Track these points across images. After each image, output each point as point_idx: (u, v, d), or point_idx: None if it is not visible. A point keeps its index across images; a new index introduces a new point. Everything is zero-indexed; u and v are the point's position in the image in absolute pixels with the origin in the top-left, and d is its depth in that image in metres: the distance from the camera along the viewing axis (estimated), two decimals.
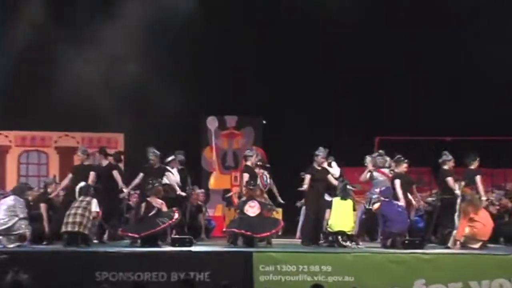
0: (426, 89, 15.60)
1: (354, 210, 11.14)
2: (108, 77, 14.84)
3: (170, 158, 11.84)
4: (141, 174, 11.32)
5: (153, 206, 10.63)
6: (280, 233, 11.24)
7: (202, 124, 17.24)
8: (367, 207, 12.21)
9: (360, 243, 11.06)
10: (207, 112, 17.09)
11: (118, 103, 14.94)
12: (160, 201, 10.75)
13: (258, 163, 12.18)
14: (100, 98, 14.71)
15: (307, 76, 15.70)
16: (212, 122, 17.28)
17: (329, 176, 11.48)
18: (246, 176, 11.25)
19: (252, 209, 10.71)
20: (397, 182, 11.06)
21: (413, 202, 11.31)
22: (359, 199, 12.35)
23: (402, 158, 11.36)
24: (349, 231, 10.84)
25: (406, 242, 10.32)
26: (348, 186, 11.16)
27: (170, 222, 10.52)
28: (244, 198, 10.99)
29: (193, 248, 9.98)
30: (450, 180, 11.18)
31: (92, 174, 11.29)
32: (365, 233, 12.42)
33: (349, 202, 11.00)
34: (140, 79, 14.76)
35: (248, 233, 10.40)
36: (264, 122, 17.00)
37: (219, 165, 17.24)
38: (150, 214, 10.59)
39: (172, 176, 11.66)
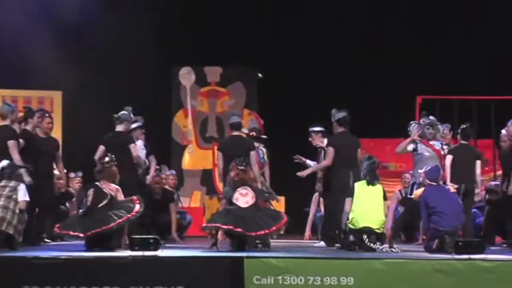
0: (486, 33, 15.64)
1: (386, 199, 11.16)
2: (40, 13, 14.77)
3: (134, 125, 11.94)
4: (102, 147, 11.34)
5: (105, 193, 10.61)
6: (282, 231, 11.28)
7: (173, 79, 17.26)
8: (404, 194, 12.25)
9: (395, 245, 11.11)
10: (179, 61, 17.09)
11: (55, 50, 14.89)
12: (115, 186, 10.67)
13: (251, 133, 12.20)
14: (28, 42, 14.66)
15: (323, 13, 15.69)
16: (186, 76, 17.34)
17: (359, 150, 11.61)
18: None
19: (243, 197, 10.62)
20: (479, 163, 11.31)
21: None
22: (392, 183, 12.35)
23: (471, 132, 11.56)
24: (378, 229, 10.86)
25: (460, 243, 10.33)
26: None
27: (129, 216, 10.42)
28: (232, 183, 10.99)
29: (161, 253, 10.01)
30: None
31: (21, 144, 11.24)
32: (401, 231, 12.47)
33: (378, 188, 10.96)
34: (84, 15, 14.74)
35: (238, 230, 10.33)
36: (259, 75, 17.02)
37: (197, 136, 17.33)
38: (100, 205, 10.55)
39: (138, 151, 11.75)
